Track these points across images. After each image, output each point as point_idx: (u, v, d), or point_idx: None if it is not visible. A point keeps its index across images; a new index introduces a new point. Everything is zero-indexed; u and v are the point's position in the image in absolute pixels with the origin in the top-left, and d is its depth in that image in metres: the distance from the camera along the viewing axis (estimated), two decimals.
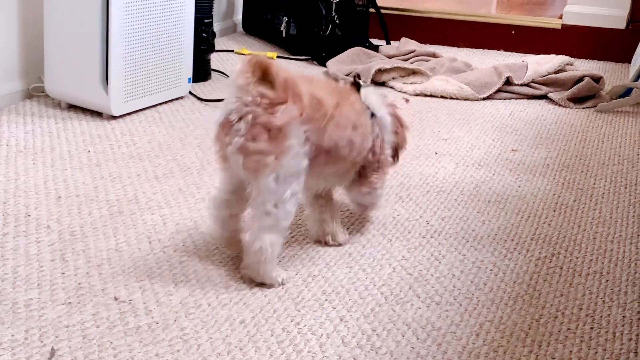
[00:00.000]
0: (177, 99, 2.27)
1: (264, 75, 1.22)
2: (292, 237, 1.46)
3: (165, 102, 2.23)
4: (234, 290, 1.27)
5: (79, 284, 1.26)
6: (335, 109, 1.31)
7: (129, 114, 2.10)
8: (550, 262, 1.43)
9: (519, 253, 1.46)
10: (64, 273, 1.29)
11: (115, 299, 1.22)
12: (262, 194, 1.25)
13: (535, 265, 1.41)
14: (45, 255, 1.34)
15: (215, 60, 2.75)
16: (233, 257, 1.37)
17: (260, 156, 1.22)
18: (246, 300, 1.24)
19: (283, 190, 1.25)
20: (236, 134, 1.23)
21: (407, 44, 3.00)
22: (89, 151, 1.83)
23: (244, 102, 1.23)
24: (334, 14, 2.88)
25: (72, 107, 2.11)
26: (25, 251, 1.35)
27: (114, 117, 2.06)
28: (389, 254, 1.42)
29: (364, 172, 1.43)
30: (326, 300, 1.26)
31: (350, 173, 1.42)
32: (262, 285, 1.29)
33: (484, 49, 3.26)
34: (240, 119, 1.23)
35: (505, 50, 3.24)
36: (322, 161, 1.31)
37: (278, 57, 2.89)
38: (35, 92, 2.18)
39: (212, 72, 2.57)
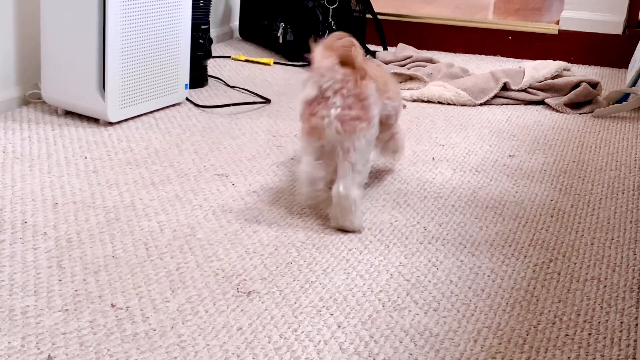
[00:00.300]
0: (174, 105, 2.27)
1: (345, 58, 1.49)
2: (290, 242, 1.46)
3: (162, 109, 2.23)
4: (231, 297, 1.27)
5: (76, 290, 1.26)
6: (388, 84, 1.67)
7: (126, 120, 2.10)
8: (548, 268, 1.43)
9: (517, 259, 1.46)
10: (60, 280, 1.29)
11: (112, 305, 1.22)
12: (354, 155, 1.51)
13: (533, 271, 1.41)
14: (42, 262, 1.34)
15: (212, 66, 2.76)
16: (230, 264, 1.37)
17: (356, 121, 1.49)
18: (243, 307, 1.24)
19: (369, 152, 1.55)
20: (333, 105, 1.48)
21: (404, 49, 3.00)
22: (85, 158, 1.83)
23: (336, 79, 1.48)
24: (331, 19, 2.88)
25: (69, 114, 2.11)
26: (22, 258, 1.35)
27: (110, 124, 2.06)
28: (387, 260, 1.42)
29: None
30: (324, 306, 1.26)
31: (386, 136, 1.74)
32: (347, 232, 1.53)
33: (481, 54, 3.27)
34: (335, 93, 1.48)
35: (502, 55, 3.25)
36: (380, 130, 1.62)
37: (275, 63, 2.89)
38: (32, 99, 2.18)
39: (209, 78, 2.57)
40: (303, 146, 1.55)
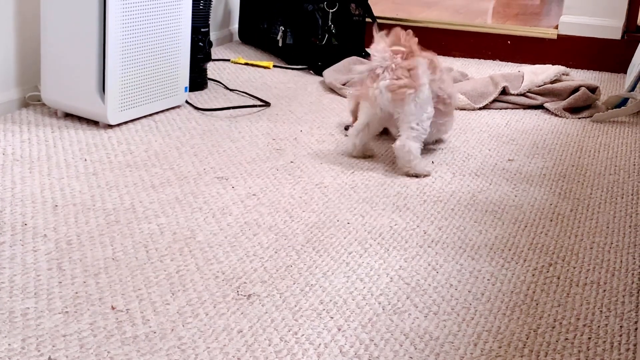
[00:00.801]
0: (173, 108, 2.27)
1: (396, 40, 1.86)
2: (290, 246, 1.46)
3: (162, 111, 2.23)
4: (232, 300, 1.27)
5: (76, 293, 1.26)
6: (443, 71, 1.98)
7: (126, 122, 2.10)
8: (548, 272, 1.43)
9: (517, 263, 1.46)
10: (60, 282, 1.29)
11: (113, 308, 1.22)
12: (407, 116, 1.85)
13: (533, 275, 1.41)
14: (42, 264, 1.34)
15: (212, 69, 2.76)
16: (230, 266, 1.37)
17: (404, 89, 1.83)
18: (244, 309, 1.24)
19: (420, 113, 1.86)
20: (384, 79, 1.83)
21: None
22: (85, 160, 1.83)
23: (385, 57, 1.83)
24: (330, 23, 2.89)
25: (69, 116, 2.12)
26: (22, 260, 1.35)
27: (110, 126, 2.06)
28: (387, 263, 1.43)
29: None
30: (324, 309, 1.26)
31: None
32: (416, 176, 1.86)
33: (480, 58, 3.27)
34: (384, 69, 1.83)
35: (501, 60, 3.25)
36: (438, 112, 1.94)
37: (274, 66, 2.90)
38: (32, 101, 2.18)
39: (209, 81, 2.58)
40: (360, 112, 1.92)
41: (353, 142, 1.95)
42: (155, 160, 1.87)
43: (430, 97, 1.89)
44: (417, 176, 1.86)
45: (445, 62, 3.08)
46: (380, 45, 1.85)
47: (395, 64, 1.84)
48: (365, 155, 1.97)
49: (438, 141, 2.11)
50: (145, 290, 1.28)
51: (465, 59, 3.27)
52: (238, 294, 1.29)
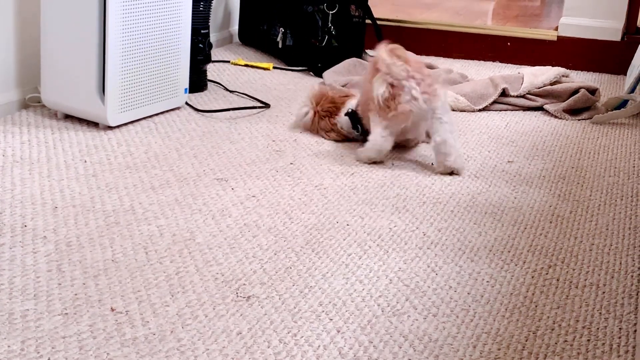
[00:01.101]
0: (173, 109, 2.27)
1: (399, 57, 1.90)
2: (290, 247, 1.47)
3: (162, 113, 2.23)
4: (231, 302, 1.27)
5: (76, 294, 1.26)
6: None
7: (126, 124, 2.10)
8: (547, 273, 1.43)
9: (516, 265, 1.46)
10: (60, 284, 1.29)
11: (112, 309, 1.22)
12: (439, 112, 1.90)
13: (532, 277, 1.42)
14: (41, 265, 1.34)
15: (212, 70, 2.76)
16: (230, 268, 1.37)
17: (434, 87, 1.91)
18: (243, 311, 1.24)
19: (446, 112, 1.92)
20: (412, 88, 1.88)
21: None
22: (85, 161, 1.83)
23: (401, 69, 1.88)
24: (330, 25, 2.89)
25: (69, 118, 2.12)
26: (21, 262, 1.35)
27: (110, 128, 2.06)
28: (386, 265, 1.43)
29: None
30: (323, 311, 1.26)
31: None
32: (453, 173, 1.91)
33: (479, 60, 3.28)
34: (406, 79, 1.88)
35: (501, 61, 3.25)
36: None
37: (274, 67, 2.90)
38: (32, 102, 2.18)
39: (209, 83, 2.58)
40: (384, 127, 1.92)
41: (379, 148, 1.95)
42: (155, 161, 1.87)
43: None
44: (456, 173, 1.92)
45: (445, 63, 3.09)
46: (389, 59, 1.88)
47: (412, 71, 1.89)
48: (381, 159, 1.98)
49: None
50: (144, 292, 1.28)
51: (465, 60, 3.27)
52: (237, 296, 1.29)
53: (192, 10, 2.29)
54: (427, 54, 3.26)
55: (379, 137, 1.93)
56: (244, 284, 1.32)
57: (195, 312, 1.23)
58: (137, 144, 1.97)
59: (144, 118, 2.16)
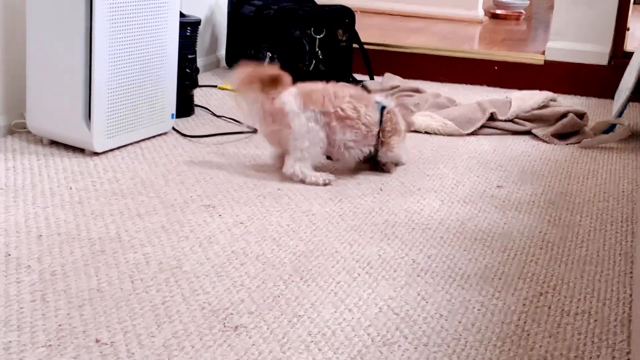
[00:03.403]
0: (160, 135, 2.25)
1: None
2: (278, 275, 1.45)
3: (149, 138, 2.21)
4: (218, 332, 1.25)
5: (60, 325, 1.24)
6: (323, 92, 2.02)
7: (112, 150, 2.08)
8: (538, 301, 1.42)
9: (507, 292, 1.44)
10: (44, 314, 1.26)
11: (97, 341, 1.20)
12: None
13: (523, 304, 1.40)
14: (25, 296, 1.32)
15: (199, 95, 2.75)
16: (217, 297, 1.35)
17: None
18: (230, 342, 1.22)
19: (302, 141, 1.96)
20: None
21: (390, 79, 3.01)
22: (70, 188, 1.81)
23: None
24: (317, 49, 2.89)
25: (54, 144, 2.10)
26: (5, 292, 1.33)
27: (96, 154, 2.04)
28: (375, 293, 1.41)
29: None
30: (312, 341, 1.24)
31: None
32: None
33: (467, 84, 3.28)
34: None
35: (488, 85, 3.26)
36: (333, 129, 2.00)
37: None
38: (17, 129, 2.16)
39: (196, 108, 2.56)
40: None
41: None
42: (141, 188, 1.85)
43: (310, 124, 1.94)
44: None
45: (433, 87, 3.09)
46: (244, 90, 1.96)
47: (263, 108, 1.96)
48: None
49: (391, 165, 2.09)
50: (130, 322, 1.26)
51: (453, 84, 3.27)
52: (225, 326, 1.27)
53: (179, 36, 2.28)
54: (415, 78, 3.25)
55: None
56: (232, 314, 1.30)
57: (182, 343, 1.21)
58: (123, 170, 1.95)
59: (131, 144, 2.15)
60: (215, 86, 2.94)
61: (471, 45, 3.81)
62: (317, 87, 1.99)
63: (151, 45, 2.13)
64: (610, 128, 2.52)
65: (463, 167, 2.17)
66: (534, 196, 1.97)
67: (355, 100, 1.99)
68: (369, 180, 2.01)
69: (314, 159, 1.97)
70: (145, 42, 2.11)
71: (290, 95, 1.95)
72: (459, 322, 1.33)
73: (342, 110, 1.96)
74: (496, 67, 3.26)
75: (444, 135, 2.48)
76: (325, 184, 1.95)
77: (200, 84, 2.75)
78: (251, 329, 1.26)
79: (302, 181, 1.95)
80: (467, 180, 2.06)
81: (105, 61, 1.99)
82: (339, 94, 1.98)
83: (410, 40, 3.66)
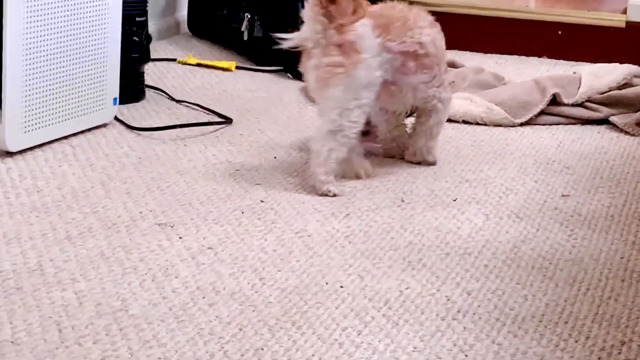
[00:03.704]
0: (98, 127, 2.26)
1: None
2: (261, 320, 1.45)
3: (82, 132, 2.22)
4: None
5: None
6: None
7: (31, 149, 2.09)
8: (619, 353, 1.42)
9: (576, 341, 1.45)
10: None
11: None
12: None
13: (599, 357, 1.40)
14: None
15: (152, 73, 2.75)
16: (177, 351, 1.35)
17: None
18: None
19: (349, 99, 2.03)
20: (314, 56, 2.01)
21: None
22: None
23: (317, 30, 1.98)
24: None
25: None
26: None
27: (9, 154, 2.05)
28: (395, 343, 1.41)
29: None
30: None
31: None
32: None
33: (520, 55, 3.29)
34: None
35: (549, 57, 3.27)
36: (408, 69, 2.12)
37: (237, 67, 2.89)
38: None
39: (147, 90, 2.57)
40: None
41: None
42: (72, 201, 1.85)
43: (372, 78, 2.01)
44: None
45: (474, 60, 3.10)
46: (310, 12, 1.98)
47: (327, 38, 1.97)
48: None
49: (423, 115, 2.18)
50: None
51: (501, 55, 3.28)
52: None
53: None
54: (450, 48, 3.24)
55: None
56: None
57: None
58: (47, 177, 1.96)
59: (58, 140, 2.15)
60: (175, 60, 2.95)
61: (526, 1, 3.81)
62: (394, 14, 2.09)
63: (83, 6, 2.14)
64: None
65: (515, 168, 2.18)
66: (613, 209, 1.97)
67: (436, 30, 2.16)
68: (386, 188, 2.02)
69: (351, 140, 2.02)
70: (75, 1, 2.11)
71: (366, 27, 2.01)
72: None
73: (423, 46, 2.10)
74: (560, 32, 3.26)
75: (489, 125, 2.49)
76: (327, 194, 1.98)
77: (153, 57, 2.76)
78: None
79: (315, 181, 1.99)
80: (521, 187, 2.07)
81: (18, 28, 1.99)
82: (418, 22, 2.11)
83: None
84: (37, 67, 2.05)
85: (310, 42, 1.99)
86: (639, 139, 2.45)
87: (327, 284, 1.58)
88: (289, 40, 2.00)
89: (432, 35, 2.12)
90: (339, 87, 1.97)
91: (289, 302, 1.52)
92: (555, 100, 2.55)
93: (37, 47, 2.04)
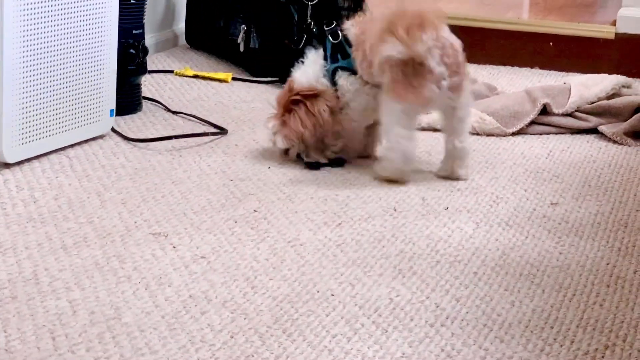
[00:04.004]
0: (94, 138, 2.27)
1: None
2: (252, 328, 1.45)
3: (79, 144, 2.22)
4: None
5: None
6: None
7: (28, 160, 2.09)
8: (603, 357, 1.42)
9: (561, 345, 1.45)
10: None
11: None
12: (464, 107, 2.19)
13: None
14: None
15: (148, 84, 2.76)
16: (169, 358, 1.35)
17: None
18: None
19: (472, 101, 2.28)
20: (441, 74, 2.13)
21: None
22: None
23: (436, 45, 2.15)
24: (309, 20, 2.89)
25: None
26: None
27: (7, 165, 2.05)
28: (384, 350, 1.41)
29: None
30: None
31: None
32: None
33: (512, 65, 3.29)
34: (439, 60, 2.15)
35: (541, 67, 3.27)
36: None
37: (234, 79, 2.90)
38: None
39: (144, 102, 2.57)
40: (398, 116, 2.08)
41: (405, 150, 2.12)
42: (68, 211, 1.86)
43: None
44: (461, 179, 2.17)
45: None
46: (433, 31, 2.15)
47: (444, 48, 2.15)
48: None
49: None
50: None
51: (494, 66, 3.28)
52: None
53: (121, 4, 2.29)
54: None
55: (398, 138, 2.09)
56: None
57: None
58: (44, 188, 1.96)
59: (54, 151, 2.16)
60: (172, 71, 2.95)
61: (519, 13, 3.82)
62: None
63: (82, 19, 2.14)
64: None
65: (506, 177, 2.18)
66: (600, 216, 1.98)
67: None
68: (379, 197, 2.02)
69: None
70: (73, 14, 2.12)
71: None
72: None
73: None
74: (551, 43, 3.27)
75: (481, 134, 2.49)
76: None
77: (150, 68, 2.77)
78: None
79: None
80: (511, 196, 2.07)
81: (16, 40, 2.00)
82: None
83: (437, 6, 3.68)
84: (34, 80, 2.05)
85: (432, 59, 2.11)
86: (626, 148, 2.45)
87: (318, 292, 1.59)
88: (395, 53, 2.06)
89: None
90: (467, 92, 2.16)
91: (280, 310, 1.52)
92: (545, 110, 2.55)
93: (34, 59, 2.04)
